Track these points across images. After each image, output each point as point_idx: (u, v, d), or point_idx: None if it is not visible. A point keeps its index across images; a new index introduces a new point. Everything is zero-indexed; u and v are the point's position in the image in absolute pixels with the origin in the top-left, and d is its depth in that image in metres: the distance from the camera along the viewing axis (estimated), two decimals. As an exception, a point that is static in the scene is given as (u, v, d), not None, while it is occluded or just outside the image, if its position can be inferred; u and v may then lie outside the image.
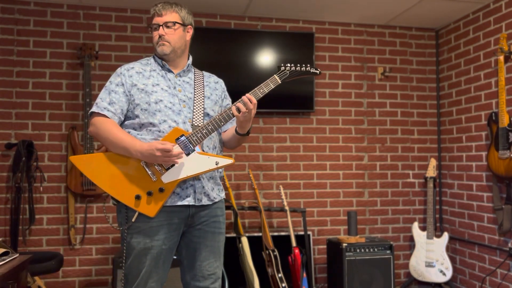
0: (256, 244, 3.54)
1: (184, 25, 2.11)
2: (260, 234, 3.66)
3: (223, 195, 2.16)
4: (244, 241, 3.38)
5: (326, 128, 4.08)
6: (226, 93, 2.27)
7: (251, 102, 1.93)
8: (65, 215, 3.58)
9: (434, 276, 3.77)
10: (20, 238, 3.42)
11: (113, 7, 3.73)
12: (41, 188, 3.55)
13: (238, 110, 1.94)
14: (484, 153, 3.67)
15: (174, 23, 2.06)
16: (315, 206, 4.02)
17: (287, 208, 3.57)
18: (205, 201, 2.04)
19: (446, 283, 3.82)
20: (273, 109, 3.91)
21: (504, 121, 3.24)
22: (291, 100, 3.92)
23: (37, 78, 3.59)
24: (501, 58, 3.31)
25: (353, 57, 4.16)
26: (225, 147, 2.24)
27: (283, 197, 3.62)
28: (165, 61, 2.10)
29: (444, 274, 3.75)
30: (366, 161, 4.14)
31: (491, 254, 3.60)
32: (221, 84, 2.25)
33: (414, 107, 4.25)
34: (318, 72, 2.08)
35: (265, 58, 3.86)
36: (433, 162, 3.97)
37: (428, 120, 4.28)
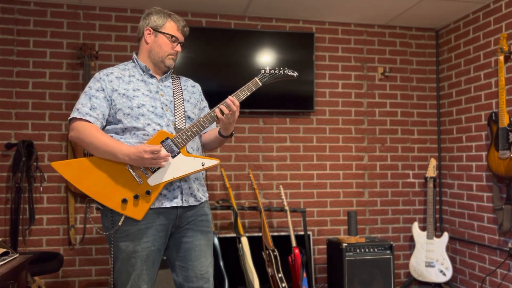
0: (256, 244, 3.54)
1: None
2: (260, 234, 3.66)
3: (207, 195, 2.20)
4: (244, 241, 3.38)
5: (326, 128, 4.08)
6: (203, 96, 2.32)
7: (234, 104, 1.99)
8: (65, 215, 3.58)
9: (434, 276, 3.77)
10: (20, 238, 3.42)
11: (113, 7, 3.73)
12: (41, 188, 3.55)
13: (222, 112, 2.00)
14: (484, 153, 3.67)
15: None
16: (315, 206, 4.02)
17: (287, 208, 3.57)
18: (192, 202, 2.06)
19: (446, 283, 3.82)
20: (273, 109, 3.91)
21: (504, 121, 3.24)
22: (291, 100, 3.92)
23: (37, 78, 3.59)
24: (501, 58, 3.31)
25: (353, 57, 4.16)
26: (204, 149, 2.27)
27: (283, 197, 3.62)
28: (148, 67, 2.11)
29: (444, 274, 3.75)
30: (366, 161, 4.14)
31: (491, 254, 3.60)
32: (198, 87, 2.29)
33: (414, 107, 4.25)
34: (295, 75, 2.17)
35: (265, 58, 3.86)
36: (433, 162, 3.97)
37: (428, 120, 4.28)
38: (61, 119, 3.61)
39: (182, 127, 2.04)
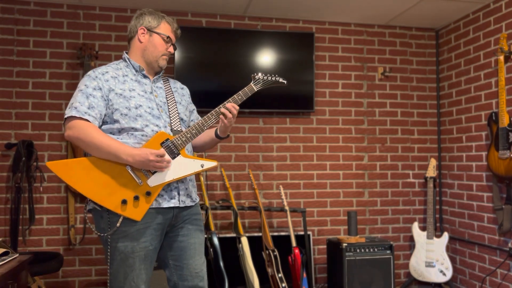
0: (256, 244, 3.54)
1: None
2: (260, 234, 3.66)
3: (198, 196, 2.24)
4: (244, 241, 3.38)
5: (326, 128, 4.08)
6: (190, 99, 2.34)
7: (234, 108, 2.06)
8: (65, 215, 3.58)
9: (434, 276, 3.77)
10: (20, 238, 3.42)
11: (113, 7, 3.74)
12: (41, 188, 3.55)
13: (225, 116, 2.05)
14: (484, 153, 3.67)
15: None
16: (315, 206, 4.02)
17: (287, 208, 3.57)
18: (188, 202, 2.09)
19: (446, 283, 3.82)
20: (273, 109, 3.91)
21: (504, 121, 3.24)
22: (291, 100, 3.92)
23: (37, 78, 3.59)
24: (501, 58, 3.31)
25: (353, 57, 4.16)
26: (195, 150, 2.28)
27: (283, 197, 3.62)
28: (142, 67, 2.11)
29: (444, 274, 3.75)
30: (366, 161, 4.14)
31: (491, 254, 3.60)
32: (186, 90, 2.31)
33: (414, 107, 4.25)
34: (284, 82, 2.24)
35: (265, 58, 3.86)
36: (433, 162, 3.97)
37: (428, 120, 4.28)
38: (61, 119, 3.61)
39: (178, 129, 2.06)
